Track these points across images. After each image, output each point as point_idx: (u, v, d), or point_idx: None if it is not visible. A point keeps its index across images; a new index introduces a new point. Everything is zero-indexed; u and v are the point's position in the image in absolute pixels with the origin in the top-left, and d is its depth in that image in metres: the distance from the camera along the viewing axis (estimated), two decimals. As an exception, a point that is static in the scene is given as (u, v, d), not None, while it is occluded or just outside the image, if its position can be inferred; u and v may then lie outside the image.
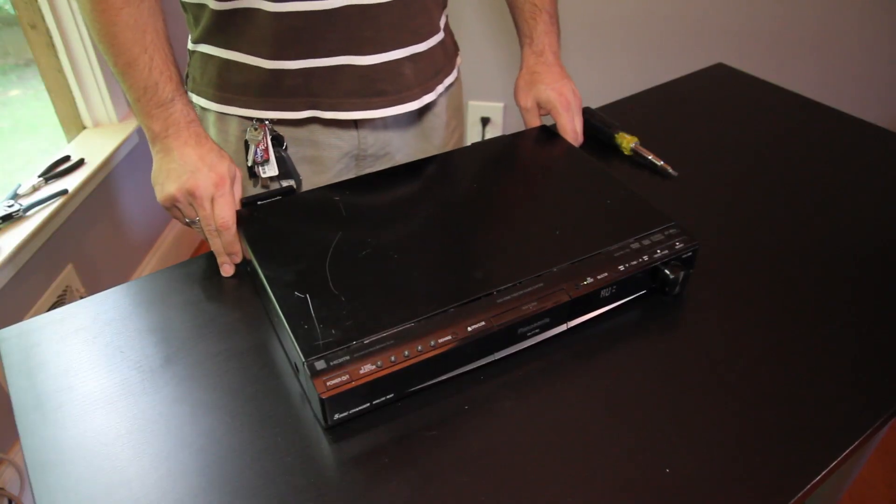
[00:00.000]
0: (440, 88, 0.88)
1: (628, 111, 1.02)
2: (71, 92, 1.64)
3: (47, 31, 1.54)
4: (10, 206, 1.38)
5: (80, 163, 1.57)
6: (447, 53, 0.90)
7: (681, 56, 1.94)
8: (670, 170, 0.87)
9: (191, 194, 0.69)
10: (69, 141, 1.67)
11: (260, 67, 0.77)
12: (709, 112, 1.03)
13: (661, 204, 0.79)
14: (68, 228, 1.53)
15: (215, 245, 0.72)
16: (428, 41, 0.83)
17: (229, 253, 0.72)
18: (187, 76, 0.86)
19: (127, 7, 0.66)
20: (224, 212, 0.69)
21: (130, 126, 1.71)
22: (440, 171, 0.78)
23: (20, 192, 1.44)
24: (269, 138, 0.80)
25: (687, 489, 0.51)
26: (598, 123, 0.92)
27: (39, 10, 1.51)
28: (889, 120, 1.89)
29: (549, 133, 0.86)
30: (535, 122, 0.91)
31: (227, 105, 0.81)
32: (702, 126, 0.99)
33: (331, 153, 0.86)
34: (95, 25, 0.67)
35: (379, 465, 0.53)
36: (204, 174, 0.69)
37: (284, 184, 0.83)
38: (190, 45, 0.83)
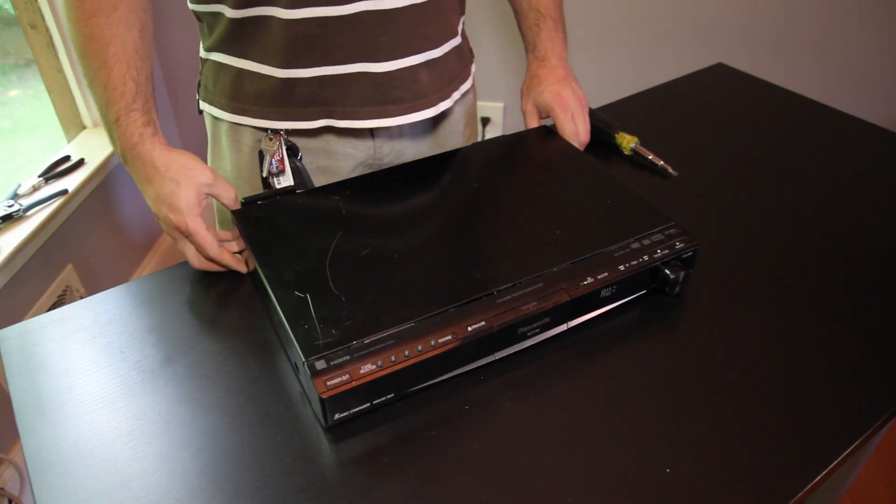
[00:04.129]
0: (456, 95, 0.86)
1: (628, 111, 1.02)
2: (71, 92, 1.65)
3: (47, 31, 1.54)
4: (10, 206, 1.38)
5: (80, 163, 1.57)
6: (463, 59, 0.88)
7: (681, 56, 1.94)
8: (670, 170, 0.87)
9: (170, 235, 0.70)
10: (69, 141, 1.67)
11: (272, 77, 0.75)
12: (709, 112, 1.03)
13: (661, 204, 0.79)
14: (68, 228, 1.53)
15: (224, 262, 0.71)
16: (443, 46, 0.81)
17: (233, 262, 0.72)
18: (199, 84, 0.84)
19: (96, 17, 0.63)
20: (206, 251, 0.68)
21: (130, 126, 1.70)
22: (440, 170, 0.78)
23: (20, 192, 1.44)
24: (284, 149, 0.79)
25: (687, 489, 0.51)
26: (598, 123, 0.92)
27: (39, 10, 1.51)
28: (889, 120, 1.89)
29: (549, 133, 0.86)
30: (534, 126, 0.90)
31: (240, 115, 0.79)
32: (702, 126, 0.99)
33: (345, 162, 0.85)
34: (70, 35, 0.66)
35: (379, 465, 0.53)
36: (170, 219, 0.67)
37: None
38: (202, 54, 0.81)
